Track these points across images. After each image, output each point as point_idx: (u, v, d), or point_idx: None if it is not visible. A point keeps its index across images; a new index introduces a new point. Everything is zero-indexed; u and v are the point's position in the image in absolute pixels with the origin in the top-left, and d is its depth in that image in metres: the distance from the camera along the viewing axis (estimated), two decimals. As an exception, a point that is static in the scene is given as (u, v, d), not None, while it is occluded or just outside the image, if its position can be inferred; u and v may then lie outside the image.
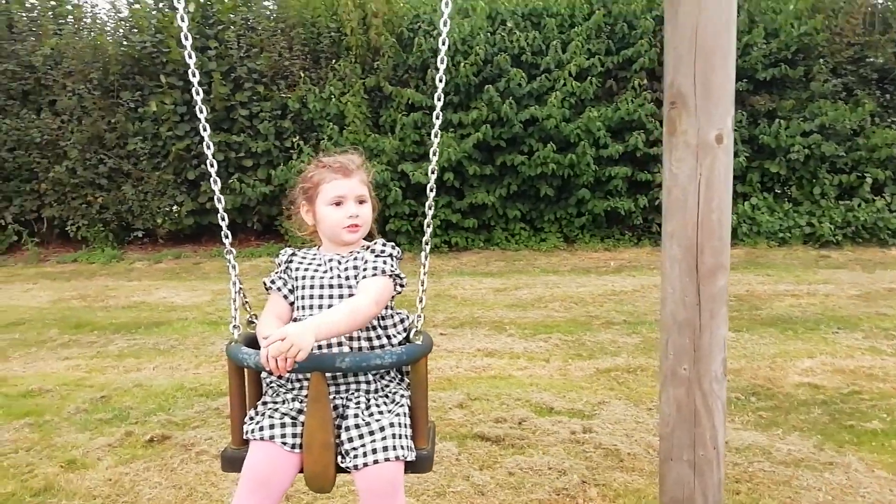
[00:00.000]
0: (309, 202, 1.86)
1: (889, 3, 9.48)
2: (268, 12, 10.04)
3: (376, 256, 1.80)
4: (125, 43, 9.46)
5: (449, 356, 4.41)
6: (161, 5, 9.73)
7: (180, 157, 9.28)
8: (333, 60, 9.36)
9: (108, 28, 10.21)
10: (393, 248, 1.84)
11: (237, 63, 9.23)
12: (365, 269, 1.76)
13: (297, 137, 9.16)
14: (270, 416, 1.66)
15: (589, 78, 8.81)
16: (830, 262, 7.81)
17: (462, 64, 8.61)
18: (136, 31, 9.55)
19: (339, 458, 1.62)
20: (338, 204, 1.81)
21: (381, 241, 1.87)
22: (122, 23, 9.99)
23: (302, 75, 9.22)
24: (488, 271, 7.74)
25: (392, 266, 1.78)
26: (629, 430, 3.20)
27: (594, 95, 8.94)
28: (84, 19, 10.40)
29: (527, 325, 5.24)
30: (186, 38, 1.73)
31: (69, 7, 10.39)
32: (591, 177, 8.78)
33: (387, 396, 1.74)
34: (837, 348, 4.50)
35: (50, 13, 10.20)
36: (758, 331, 4.92)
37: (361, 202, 1.84)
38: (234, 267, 1.79)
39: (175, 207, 9.37)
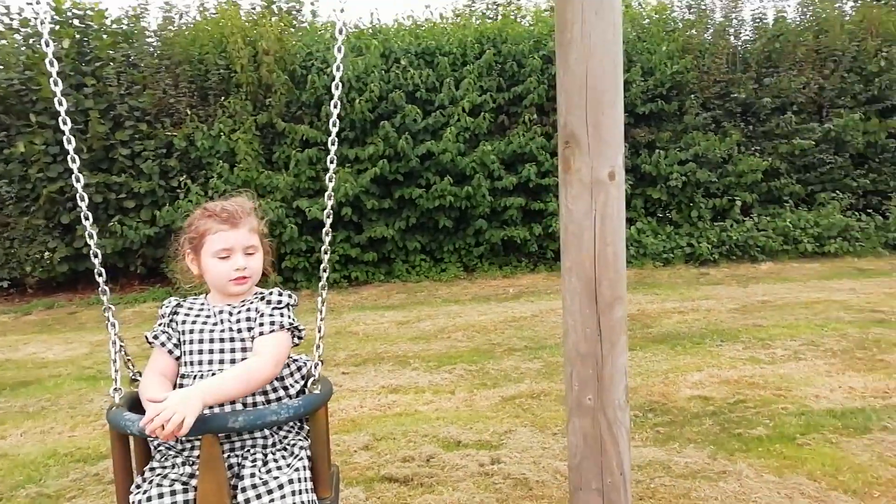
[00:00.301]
0: (194, 252, 1.75)
1: (748, 45, 10.48)
2: (151, 48, 9.63)
3: (273, 309, 1.69)
4: (-11, 81, 8.76)
5: (352, 396, 4.28)
6: (31, 41, 9.10)
7: (52, 201, 8.61)
8: (223, 97, 9.09)
9: (-30, 65, 9.41)
10: (289, 296, 1.75)
11: (117, 101, 8.76)
12: (261, 325, 1.66)
13: (185, 176, 8.76)
14: (159, 485, 1.54)
15: (482, 114, 9.08)
16: (710, 279, 8.36)
17: (357, 100, 8.62)
18: (1, 67, 8.87)
19: None
20: (224, 257, 1.71)
21: (276, 290, 1.77)
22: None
23: (189, 113, 8.88)
24: (390, 304, 7.67)
25: (290, 318, 1.70)
26: (536, 457, 3.21)
27: (487, 130, 9.21)
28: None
29: (431, 357, 5.21)
30: (56, 84, 1.64)
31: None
32: (487, 207, 8.99)
33: (285, 449, 1.65)
34: (722, 360, 4.77)
35: None
36: (650, 348, 5.14)
37: (250, 253, 1.74)
38: (113, 325, 1.65)
39: (47, 254, 8.64)
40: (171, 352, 1.69)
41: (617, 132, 1.72)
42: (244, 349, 1.67)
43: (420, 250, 9.22)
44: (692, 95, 9.90)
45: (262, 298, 1.74)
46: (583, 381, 1.75)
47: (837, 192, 10.12)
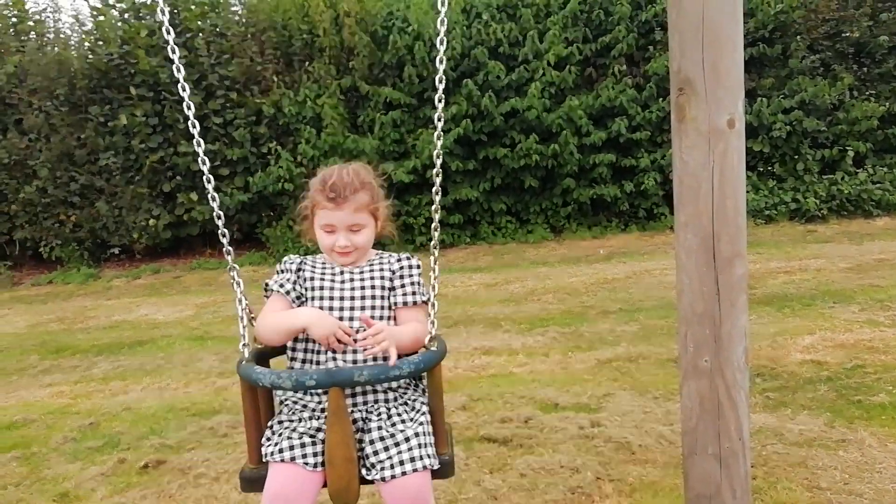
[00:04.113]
0: (308, 218, 1.83)
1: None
2: (237, 17, 9.85)
3: (417, 276, 1.80)
4: (91, 56, 9.23)
5: (446, 357, 4.30)
6: (126, 16, 9.51)
7: (154, 170, 9.07)
8: (307, 63, 9.20)
9: (73, 42, 9.95)
10: (416, 263, 1.84)
11: (208, 71, 9.04)
12: (414, 294, 1.77)
13: (274, 143, 9.00)
14: (289, 438, 1.62)
15: (568, 67, 8.75)
16: (818, 237, 7.83)
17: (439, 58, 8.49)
18: (101, 43, 9.32)
19: (364, 470, 1.60)
20: (329, 231, 1.77)
21: (410, 256, 1.85)
22: (87, 36, 9.74)
23: (275, 79, 9.06)
24: (477, 267, 7.64)
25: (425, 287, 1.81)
26: (638, 421, 3.11)
27: (574, 84, 8.89)
28: (47, 34, 10.12)
29: (522, 319, 5.15)
30: (174, 52, 1.80)
31: (31, 23, 10.10)
32: (574, 165, 8.73)
33: (406, 404, 1.71)
34: (836, 323, 4.46)
35: (11, 30, 9.91)
36: (755, 310, 4.86)
37: (355, 231, 1.77)
38: (238, 283, 1.75)
39: (151, 221, 9.16)
40: (292, 303, 1.77)
41: (736, 75, 1.61)
42: (373, 307, 1.75)
43: (506, 212, 9.11)
44: (798, 37, 9.13)
45: (398, 261, 1.82)
46: (698, 342, 1.68)
47: (965, 138, 9.17)
